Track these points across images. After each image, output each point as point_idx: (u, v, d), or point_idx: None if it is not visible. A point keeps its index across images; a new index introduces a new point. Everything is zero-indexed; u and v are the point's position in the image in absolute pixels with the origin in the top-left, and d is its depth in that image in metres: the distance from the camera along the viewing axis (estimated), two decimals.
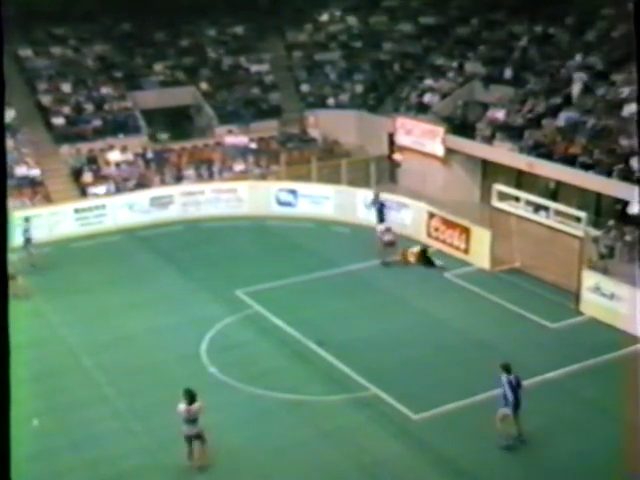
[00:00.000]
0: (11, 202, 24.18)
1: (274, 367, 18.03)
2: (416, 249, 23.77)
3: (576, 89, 26.74)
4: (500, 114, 28.13)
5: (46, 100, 31.75)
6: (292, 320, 20.02)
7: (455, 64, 32.42)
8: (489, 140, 27.52)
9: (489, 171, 28.50)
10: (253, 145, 32.04)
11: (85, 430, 15.58)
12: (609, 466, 13.83)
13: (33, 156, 29.10)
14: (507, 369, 14.45)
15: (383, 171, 30.70)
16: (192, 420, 13.89)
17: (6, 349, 2.57)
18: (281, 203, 27.99)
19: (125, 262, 24.65)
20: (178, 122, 33.71)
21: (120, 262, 24.63)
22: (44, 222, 26.18)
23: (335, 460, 14.60)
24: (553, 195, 24.42)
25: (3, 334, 2.54)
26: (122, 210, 27.53)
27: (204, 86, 34.18)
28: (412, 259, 23.55)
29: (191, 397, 13.90)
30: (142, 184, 29.14)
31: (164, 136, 32.62)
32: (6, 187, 2.78)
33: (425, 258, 23.56)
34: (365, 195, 26.86)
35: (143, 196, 28.06)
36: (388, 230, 23.84)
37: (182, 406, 13.88)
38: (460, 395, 16.21)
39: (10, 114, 28.41)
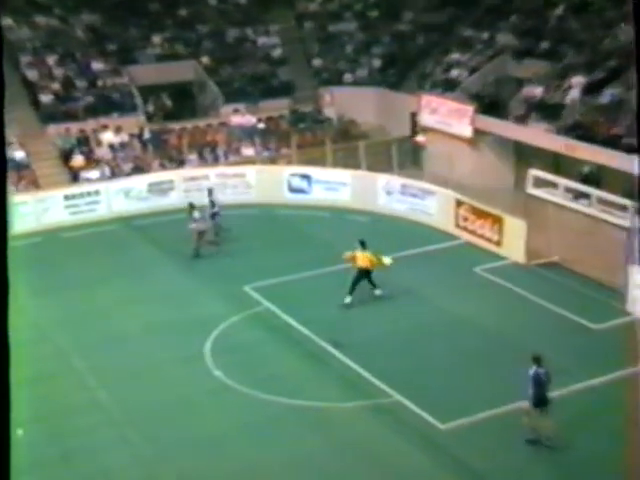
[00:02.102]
0: None
1: (285, 370, 18.05)
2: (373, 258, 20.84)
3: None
4: (537, 91, 27.92)
5: (31, 75, 31.71)
6: (305, 318, 19.99)
7: (485, 36, 32.25)
8: (523, 120, 27.35)
9: (523, 154, 28.36)
10: (261, 125, 31.99)
11: (77, 439, 15.62)
12: None
13: (18, 137, 29.05)
14: (537, 361, 14.77)
15: (405, 154, 30.59)
16: None
17: (6, 349, 2.54)
18: (293, 190, 27.93)
19: (121, 254, 24.67)
20: (179, 100, 33.65)
21: (115, 254, 24.65)
22: (31, 210, 26.20)
23: (352, 474, 14.56)
24: (591, 180, 24.19)
25: (3, 334, 2.52)
26: (117, 197, 27.54)
27: (206, 60, 34.13)
28: (362, 263, 20.77)
29: None
30: (139, 168, 29.14)
31: (169, 103, 32.63)
32: (6, 183, 2.77)
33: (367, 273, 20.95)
34: (387, 180, 26.89)
35: (140, 181, 28.07)
36: (201, 219, 24.28)
37: None
38: (491, 403, 16.12)
39: None
